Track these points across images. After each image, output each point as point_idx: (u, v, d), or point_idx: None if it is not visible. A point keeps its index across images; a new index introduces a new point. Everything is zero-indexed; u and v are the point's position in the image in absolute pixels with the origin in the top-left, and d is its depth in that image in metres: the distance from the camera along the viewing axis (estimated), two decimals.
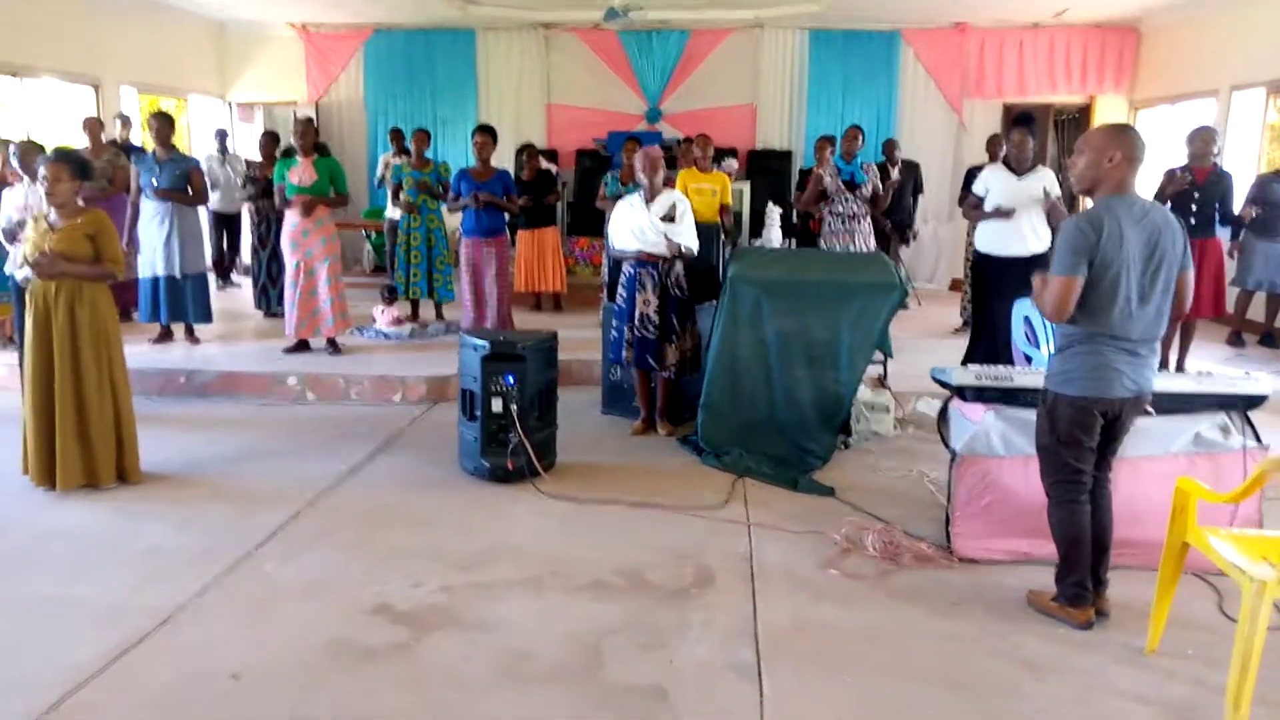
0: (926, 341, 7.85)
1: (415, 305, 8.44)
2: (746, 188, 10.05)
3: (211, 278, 10.45)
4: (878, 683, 3.04)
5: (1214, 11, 9.58)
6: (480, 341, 4.80)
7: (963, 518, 3.96)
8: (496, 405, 4.76)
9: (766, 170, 11.31)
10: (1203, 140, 6.50)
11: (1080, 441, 3.26)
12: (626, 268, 5.63)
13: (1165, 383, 3.95)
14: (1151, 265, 3.12)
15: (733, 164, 10.52)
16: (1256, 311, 8.01)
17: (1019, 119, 6.25)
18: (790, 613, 3.50)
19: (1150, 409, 3.77)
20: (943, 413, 4.11)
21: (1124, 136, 3.15)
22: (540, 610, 3.50)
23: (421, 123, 11.47)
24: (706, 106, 11.73)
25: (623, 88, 11.81)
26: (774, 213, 9.50)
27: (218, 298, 9.79)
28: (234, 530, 4.16)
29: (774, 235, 9.51)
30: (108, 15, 9.77)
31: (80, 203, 4.72)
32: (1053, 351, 3.35)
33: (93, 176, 5.15)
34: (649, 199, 5.55)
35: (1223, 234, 6.99)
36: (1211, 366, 6.99)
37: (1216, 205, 6.61)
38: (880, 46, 11.57)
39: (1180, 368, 6.71)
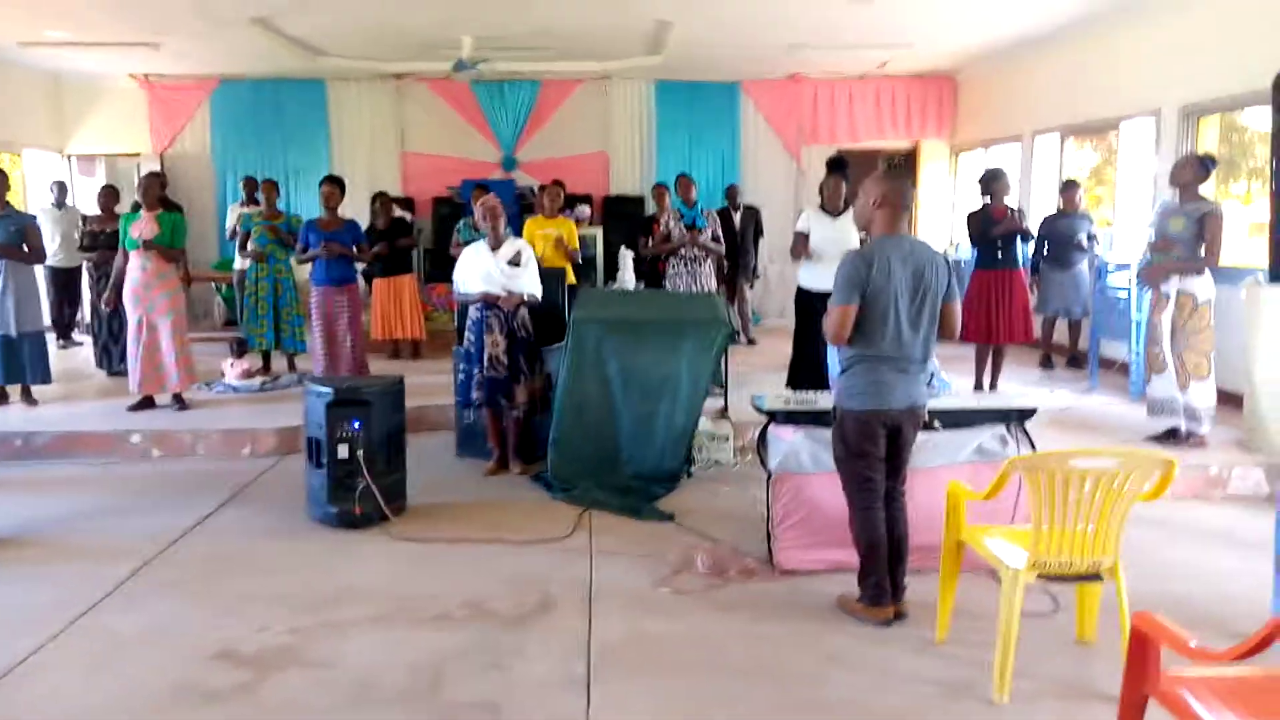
0: (771, 375, 8.30)
1: (267, 357, 8.42)
2: (599, 233, 10.41)
3: (51, 336, 10.16)
4: (697, 681, 3.33)
5: (1016, 62, 10.55)
6: (324, 388, 4.92)
7: (781, 532, 4.32)
8: (343, 451, 4.87)
9: (621, 215, 11.74)
10: (1000, 183, 7.18)
11: (868, 452, 3.66)
12: (473, 311, 5.84)
13: (951, 401, 4.44)
14: (918, 296, 3.57)
15: (585, 210, 10.90)
16: (1062, 336, 8.82)
17: (831, 164, 6.79)
18: (622, 629, 3.75)
19: (937, 424, 4.24)
20: (761, 436, 4.46)
21: (885, 184, 3.61)
22: (385, 644, 3.65)
23: (273, 173, 11.42)
24: (560, 155, 12.13)
25: (477, 137, 12.09)
26: (626, 256, 9.91)
27: (58, 356, 9.50)
28: (75, 586, 4.14)
29: (628, 278, 9.90)
30: None
31: None
32: (838, 373, 3.75)
33: None
34: (494, 246, 5.80)
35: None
36: (1020, 388, 7.69)
37: (1017, 240, 7.29)
38: (722, 96, 12.23)
39: (993, 388, 7.33)
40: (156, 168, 11.55)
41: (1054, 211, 8.46)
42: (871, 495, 3.72)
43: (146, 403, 7.01)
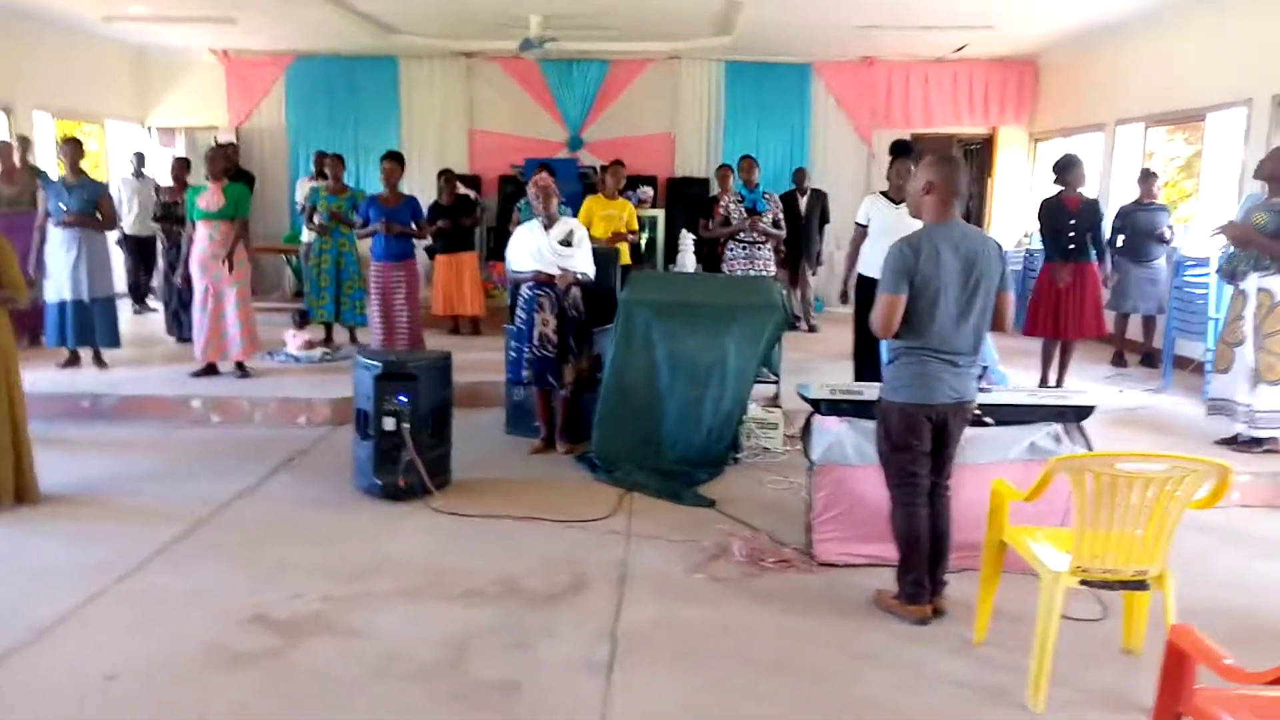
0: (828, 364, 8.15)
1: (329, 329, 8.55)
2: (661, 215, 10.33)
3: (127, 302, 10.50)
4: (721, 673, 3.27)
5: (1100, 49, 10.15)
6: (373, 361, 4.97)
7: (822, 524, 4.23)
8: (389, 424, 4.91)
9: (685, 197, 11.62)
10: (1074, 171, 6.89)
11: (912, 446, 3.54)
12: (525, 290, 5.84)
13: (1005, 395, 4.29)
14: (969, 286, 3.43)
15: (647, 191, 10.84)
16: (1136, 333, 8.49)
17: (896, 148, 6.60)
18: (652, 613, 3.72)
19: (988, 419, 4.10)
20: (806, 426, 4.38)
21: (935, 169, 3.47)
22: (415, 617, 3.67)
23: (344, 148, 11.62)
24: (626, 135, 12.05)
25: (544, 116, 12.09)
26: (687, 239, 9.81)
27: (132, 322, 9.83)
28: (124, 546, 4.26)
29: (688, 260, 9.81)
30: (22, 40, 9.77)
31: None
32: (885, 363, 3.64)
33: None
34: (546, 225, 5.79)
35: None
36: (1089, 385, 7.43)
37: (1089, 232, 7.01)
38: (793, 78, 12.01)
39: (1060, 385, 7.09)
40: (223, 141, 11.82)
41: (1131, 203, 8.12)
42: (914, 490, 3.61)
43: (209, 369, 7.18)
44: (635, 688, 3.16)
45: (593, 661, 3.33)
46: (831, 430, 4.20)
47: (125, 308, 10.40)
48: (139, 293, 10.61)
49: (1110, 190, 9.69)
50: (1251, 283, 5.57)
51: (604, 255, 6.30)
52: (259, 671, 3.22)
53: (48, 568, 4.05)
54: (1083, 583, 3.05)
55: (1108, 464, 2.88)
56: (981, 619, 3.50)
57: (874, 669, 3.33)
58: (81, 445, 6.01)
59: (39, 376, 7.01)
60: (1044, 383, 7.14)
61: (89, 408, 6.61)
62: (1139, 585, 3.06)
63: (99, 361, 7.44)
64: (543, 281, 5.74)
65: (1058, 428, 4.18)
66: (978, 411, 4.09)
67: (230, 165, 7.40)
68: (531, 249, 5.75)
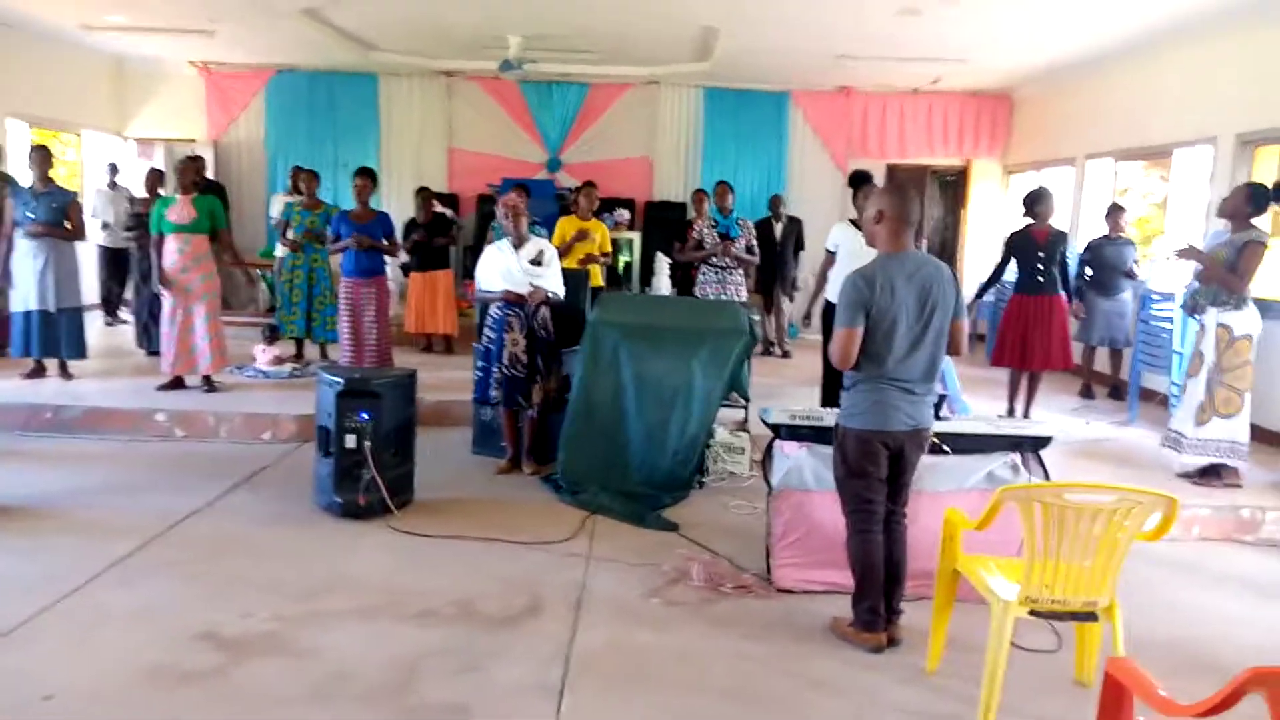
0: (801, 389, 8.18)
1: (300, 345, 8.51)
2: (637, 237, 10.36)
3: (100, 314, 10.42)
4: (672, 698, 3.25)
5: (1071, 83, 10.31)
6: (335, 378, 4.94)
7: (781, 549, 4.23)
8: (350, 441, 4.88)
9: (662, 221, 11.67)
10: (1042, 203, 6.95)
11: (868, 472, 3.55)
12: (494, 309, 5.82)
13: (963, 425, 4.32)
14: (924, 315, 3.45)
15: (624, 214, 10.88)
16: (1104, 365, 8.57)
17: (853, 179, 6.65)
18: (606, 637, 3.70)
19: (946, 448, 4.12)
20: (767, 451, 4.38)
21: (886, 197, 3.51)
22: (366, 637, 3.63)
23: (322, 164, 11.60)
24: (605, 158, 12.13)
25: (523, 136, 12.13)
26: (663, 262, 9.84)
27: (104, 334, 9.75)
28: (75, 560, 4.20)
29: (663, 283, 9.84)
30: None
31: None
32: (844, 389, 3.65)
33: None
34: (516, 244, 5.79)
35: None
36: (1055, 416, 7.49)
37: (1057, 264, 7.07)
38: (771, 105, 12.13)
39: (1026, 416, 7.14)
40: (210, 154, 11.79)
41: (1099, 237, 8.22)
42: (870, 517, 3.61)
43: (176, 383, 7.12)
44: (586, 712, 3.14)
45: (545, 685, 3.30)
46: (791, 455, 4.21)
47: (98, 319, 10.35)
48: (111, 304, 10.52)
49: (1079, 223, 9.82)
50: (1210, 317, 5.65)
51: (574, 277, 6.31)
52: (202, 691, 3.17)
53: None
54: (1032, 613, 3.06)
55: (1056, 494, 2.89)
56: (935, 648, 3.50)
57: (826, 697, 3.32)
58: (42, 457, 5.94)
59: (3, 386, 6.96)
60: (1010, 413, 7.18)
61: (51, 419, 6.53)
62: (1088, 616, 3.07)
63: (64, 372, 7.36)
64: (512, 301, 5.73)
65: (1015, 458, 4.21)
66: (936, 440, 4.12)
67: (200, 178, 7.34)
68: (501, 268, 5.75)
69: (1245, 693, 1.78)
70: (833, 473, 3.72)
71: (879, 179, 12.06)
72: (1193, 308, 5.90)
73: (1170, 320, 7.16)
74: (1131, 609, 4.05)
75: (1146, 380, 7.66)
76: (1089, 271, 8.12)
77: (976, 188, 12.31)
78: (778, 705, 3.25)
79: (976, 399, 7.32)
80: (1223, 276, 5.51)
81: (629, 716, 3.13)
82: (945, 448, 4.13)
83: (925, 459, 4.06)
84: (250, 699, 3.15)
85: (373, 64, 11.23)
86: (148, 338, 8.63)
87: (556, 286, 5.84)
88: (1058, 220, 7.19)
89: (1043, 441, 4.23)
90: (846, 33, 8.78)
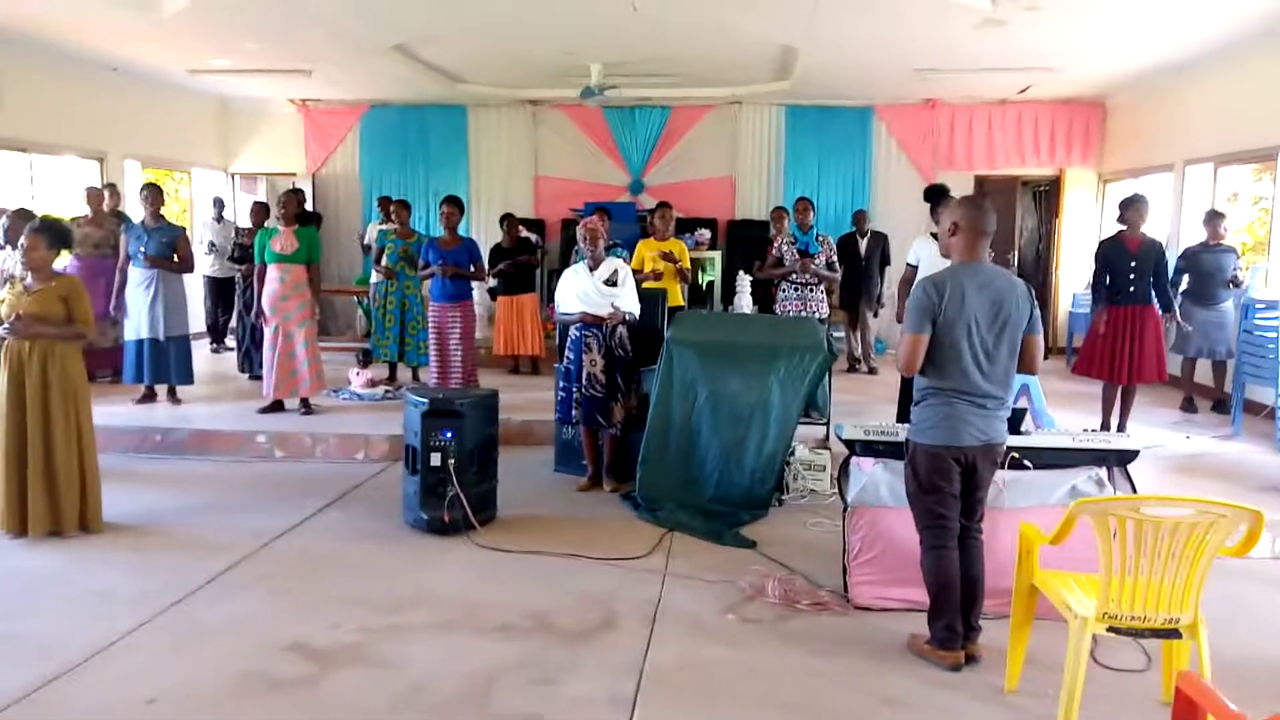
0: (885, 406, 8.08)
1: (393, 368, 8.79)
2: (718, 256, 10.40)
3: (206, 341, 10.95)
4: (741, 712, 3.27)
5: (1166, 89, 9.97)
6: (420, 399, 5.10)
7: (857, 567, 4.19)
8: (435, 459, 5.03)
9: (744, 240, 11.70)
10: (1135, 211, 6.76)
11: (940, 488, 3.51)
12: (572, 330, 5.94)
13: (1046, 439, 4.22)
14: (995, 327, 3.41)
15: (705, 234, 10.94)
16: (1207, 378, 8.23)
17: (928, 193, 6.57)
18: (679, 653, 3.72)
19: (1028, 463, 4.04)
20: (843, 467, 4.36)
21: (962, 209, 3.47)
22: (446, 650, 3.74)
23: (415, 193, 12.07)
24: (687, 179, 12.23)
25: (606, 161, 12.31)
26: (744, 280, 9.84)
27: (210, 360, 10.23)
28: (176, 575, 4.43)
29: (745, 302, 9.85)
30: (115, 94, 10.37)
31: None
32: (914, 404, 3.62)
33: (70, 245, 5.52)
34: (592, 266, 5.90)
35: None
36: (1154, 431, 7.23)
37: (1151, 274, 6.84)
38: (854, 121, 12.03)
39: (1122, 430, 6.91)
40: (309, 186, 12.31)
41: (1197, 244, 7.91)
42: (944, 533, 3.57)
43: (276, 406, 7.44)
44: None
45: (617, 698, 3.35)
46: (866, 471, 4.18)
47: (204, 346, 10.88)
48: (217, 332, 11.03)
49: (1180, 232, 9.46)
50: None
51: (651, 296, 6.38)
52: (290, 699, 3.32)
53: (103, 593, 4.23)
54: (1111, 629, 2.98)
55: (1132, 508, 2.82)
56: (1013, 666, 3.42)
57: (899, 714, 3.29)
58: (149, 477, 6.27)
59: (116, 411, 7.36)
60: (1105, 428, 6.96)
61: (160, 441, 6.89)
62: (1171, 634, 2.97)
63: (173, 397, 7.76)
64: (589, 322, 5.84)
65: (1100, 472, 4.09)
66: (1017, 455, 4.05)
67: (301, 210, 7.69)
68: (577, 290, 5.86)
69: None
70: (905, 489, 3.68)
71: (968, 190, 11.93)
72: None
73: (1276, 330, 6.84)
74: (1228, 628, 3.94)
75: (1251, 393, 7.33)
76: (1186, 280, 7.82)
77: (1070, 197, 11.97)
78: None
79: (1070, 413, 7.12)
80: None
81: None
82: (1027, 463, 4.04)
83: (1007, 474, 4.02)
84: (334, 707, 3.28)
85: (461, 96, 11.57)
86: (249, 363, 9.03)
87: (632, 306, 5.93)
88: (1158, 228, 6.95)
89: (1129, 455, 4.10)
90: (927, 47, 8.69)
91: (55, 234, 5.11)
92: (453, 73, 10.42)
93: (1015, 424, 4.18)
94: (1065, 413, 7.16)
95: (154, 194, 7.56)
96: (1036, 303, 3.54)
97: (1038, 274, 12.31)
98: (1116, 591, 2.90)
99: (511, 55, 9.41)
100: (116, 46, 9.09)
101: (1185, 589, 2.88)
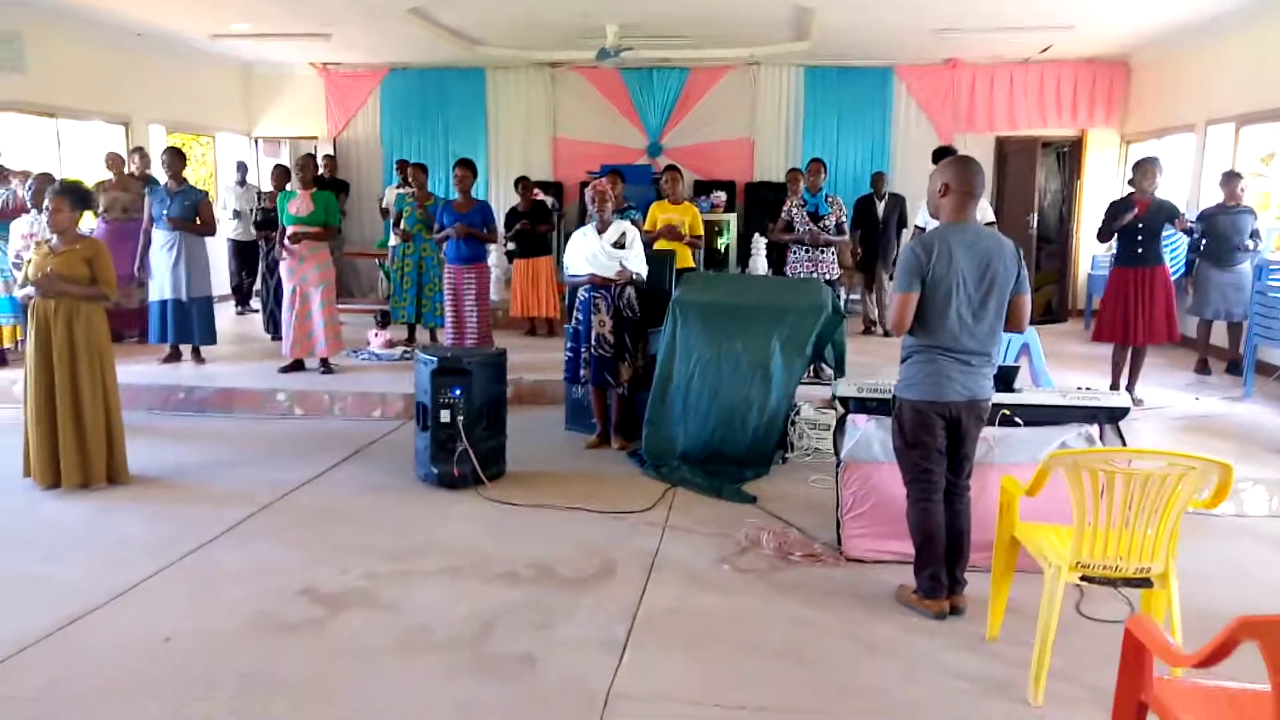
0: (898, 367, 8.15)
1: (411, 329, 8.94)
2: (733, 219, 10.44)
3: (231, 303, 11.17)
4: (729, 657, 3.39)
5: (1190, 48, 9.84)
6: (430, 357, 5.24)
7: (850, 520, 4.30)
8: (445, 416, 5.18)
9: (763, 202, 11.68)
10: (1144, 172, 6.73)
11: (925, 443, 3.60)
12: (581, 292, 6.04)
13: (1036, 396, 4.29)
14: (983, 287, 3.48)
15: (720, 196, 10.98)
16: (1222, 339, 8.21)
17: (936, 155, 6.57)
18: (672, 600, 3.86)
19: (1018, 420, 4.11)
20: (839, 424, 4.45)
21: (950, 170, 3.53)
22: (450, 594, 3.90)
23: (433, 157, 12.15)
24: (706, 141, 12.23)
25: (624, 123, 12.33)
26: (759, 243, 9.94)
27: (235, 322, 10.45)
28: (196, 525, 4.62)
29: (759, 264, 9.93)
30: (139, 59, 10.51)
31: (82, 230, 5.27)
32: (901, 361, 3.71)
33: (93, 207, 5.68)
34: (600, 229, 5.99)
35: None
36: (1167, 392, 7.25)
37: (1160, 234, 6.82)
38: (874, 82, 11.96)
39: (1130, 392, 6.93)
40: (330, 150, 12.45)
41: (1214, 206, 7.85)
42: (929, 486, 3.66)
43: (296, 365, 7.62)
44: (643, 667, 3.31)
45: (609, 640, 3.49)
46: (859, 428, 4.27)
47: (230, 308, 11.10)
48: (242, 294, 11.24)
49: (1200, 193, 9.38)
50: None
51: (659, 258, 6.46)
52: (299, 639, 3.50)
53: (127, 541, 4.44)
54: (1085, 579, 3.07)
55: (1104, 460, 2.90)
56: (995, 615, 3.53)
57: (881, 659, 3.40)
58: (173, 433, 6.48)
59: (143, 370, 7.58)
60: (1114, 389, 6.98)
61: (184, 399, 7.10)
62: (1143, 583, 3.06)
63: (197, 357, 7.97)
64: (598, 284, 5.94)
65: (1091, 429, 4.15)
66: (1008, 412, 4.12)
67: (317, 173, 7.82)
68: (586, 253, 5.96)
69: (1238, 641, 1.81)
70: (892, 443, 3.78)
71: (988, 151, 11.85)
72: None
73: None
74: (1215, 581, 4.04)
75: (1263, 354, 7.32)
76: (1203, 242, 7.78)
77: (1092, 158, 11.86)
78: (829, 665, 3.35)
79: (1084, 376, 7.14)
80: None
81: (684, 672, 3.29)
82: (1017, 419, 4.12)
83: (997, 431, 4.10)
84: (341, 646, 3.45)
85: (480, 59, 11.61)
86: (274, 324, 9.22)
87: (640, 267, 6.01)
88: (1178, 190, 6.89)
89: (1119, 412, 4.16)
90: (944, 5, 8.63)
91: (77, 195, 5.27)
92: (471, 35, 10.46)
93: (1008, 381, 4.25)
94: (1082, 375, 7.19)
95: (174, 158, 7.70)
96: (1025, 263, 3.59)
97: (1060, 236, 12.23)
98: (1089, 542, 2.99)
99: (528, 17, 9.43)
100: (138, 11, 9.22)
101: (1156, 539, 2.96)
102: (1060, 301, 11.91)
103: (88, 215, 5.69)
